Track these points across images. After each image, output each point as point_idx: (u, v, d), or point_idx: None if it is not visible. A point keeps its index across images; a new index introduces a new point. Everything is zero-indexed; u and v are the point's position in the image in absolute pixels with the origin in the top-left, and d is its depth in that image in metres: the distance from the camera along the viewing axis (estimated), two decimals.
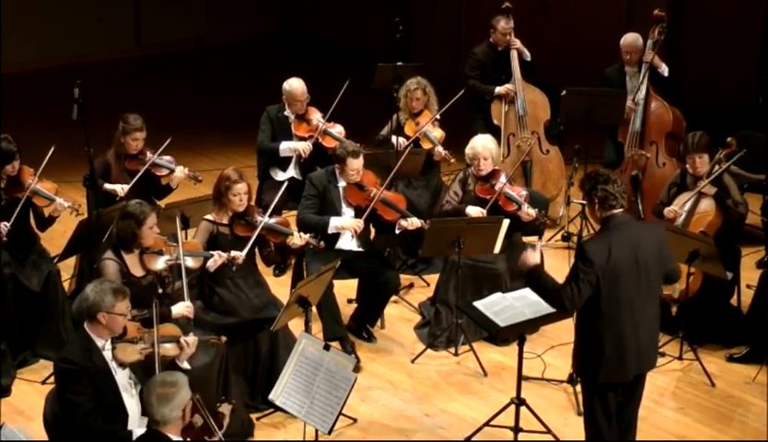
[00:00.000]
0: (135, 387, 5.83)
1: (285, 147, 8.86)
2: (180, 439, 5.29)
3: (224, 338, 6.42)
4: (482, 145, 7.95)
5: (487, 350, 7.76)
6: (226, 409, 5.68)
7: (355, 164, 7.66)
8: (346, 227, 7.68)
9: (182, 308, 6.54)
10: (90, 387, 5.61)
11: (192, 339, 6.06)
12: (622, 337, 5.73)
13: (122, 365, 5.78)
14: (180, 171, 8.07)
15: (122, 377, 5.78)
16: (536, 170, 9.80)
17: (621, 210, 5.76)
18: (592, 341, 5.76)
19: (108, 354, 5.75)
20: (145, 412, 5.43)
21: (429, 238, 7.58)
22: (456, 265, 7.63)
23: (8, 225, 7.26)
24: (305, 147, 8.81)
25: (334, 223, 7.67)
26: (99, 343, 5.74)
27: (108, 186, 7.88)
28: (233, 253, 6.90)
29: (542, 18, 12.87)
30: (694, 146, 7.80)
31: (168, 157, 8.10)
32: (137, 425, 5.69)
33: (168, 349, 5.97)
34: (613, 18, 12.39)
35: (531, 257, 5.89)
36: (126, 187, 7.85)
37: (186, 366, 6.08)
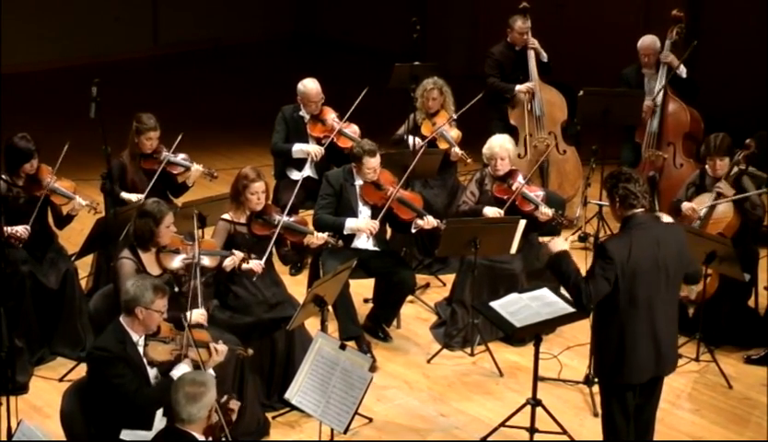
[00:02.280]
0: None
1: (298, 149, 8.86)
2: (204, 439, 5.31)
3: (251, 351, 6.43)
4: (499, 145, 7.95)
5: (503, 350, 7.75)
6: (235, 405, 5.70)
7: (372, 162, 7.66)
8: (362, 229, 7.69)
9: (197, 316, 6.51)
10: (128, 369, 5.70)
11: (222, 347, 6.08)
12: (642, 338, 5.71)
13: (151, 363, 5.83)
14: (196, 169, 8.09)
15: (151, 372, 5.84)
16: (553, 171, 9.79)
17: (641, 210, 5.74)
18: (611, 341, 5.74)
19: (140, 350, 5.80)
20: (166, 411, 5.47)
21: (445, 238, 7.57)
22: (472, 265, 7.63)
23: (28, 228, 7.29)
24: (317, 151, 8.80)
25: (350, 224, 7.67)
26: (134, 337, 5.81)
27: (124, 195, 7.85)
28: (252, 264, 6.89)
29: (559, 18, 12.85)
30: (716, 149, 7.76)
31: (183, 155, 8.11)
32: (160, 425, 5.72)
33: (198, 354, 5.99)
34: (630, 19, 12.36)
35: (560, 244, 5.88)
36: (142, 196, 7.80)
37: (211, 372, 6.08)
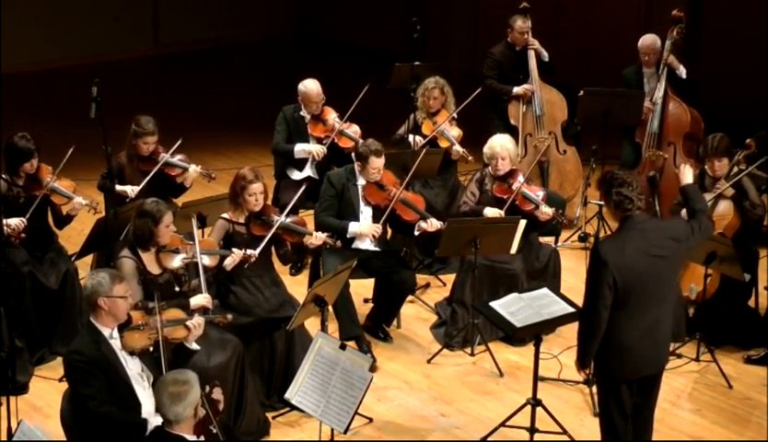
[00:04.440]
0: (148, 380, 5.84)
1: (300, 149, 8.86)
2: (194, 439, 5.30)
3: (229, 316, 6.43)
4: (500, 144, 7.94)
5: (503, 350, 7.75)
6: (218, 394, 5.68)
7: (377, 162, 7.66)
8: (365, 233, 7.69)
9: (201, 299, 6.53)
10: (102, 378, 5.64)
11: (198, 321, 6.08)
12: (637, 335, 5.71)
13: (131, 353, 5.80)
14: (193, 170, 8.08)
15: (132, 367, 5.79)
16: (553, 171, 9.79)
17: (637, 212, 5.75)
18: (608, 338, 5.74)
19: (116, 343, 5.76)
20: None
21: (446, 238, 7.57)
22: (472, 265, 7.62)
23: (24, 220, 7.29)
24: (319, 150, 8.80)
25: (353, 229, 7.67)
26: (106, 332, 5.75)
27: (119, 187, 7.87)
28: (248, 251, 6.92)
29: (560, 19, 12.85)
30: (714, 150, 7.75)
31: (180, 156, 8.11)
32: (152, 419, 5.71)
33: (176, 331, 5.99)
34: (631, 19, 12.36)
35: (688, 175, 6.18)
36: (136, 188, 7.85)
37: (195, 346, 6.09)
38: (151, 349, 5.91)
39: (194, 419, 5.31)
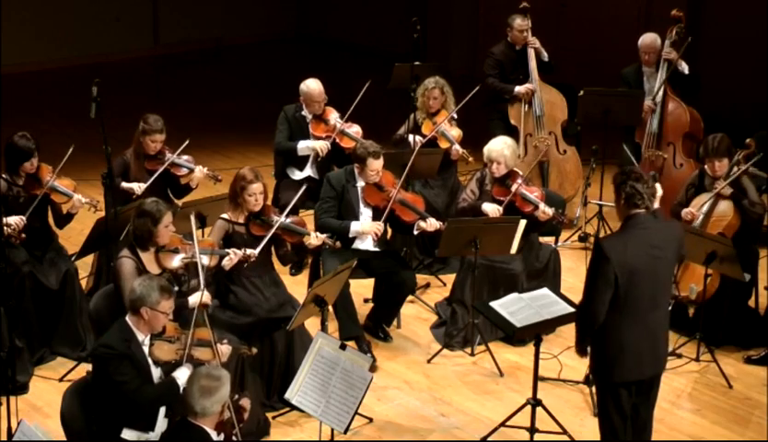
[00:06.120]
0: None
1: (303, 146, 8.86)
2: (216, 436, 5.34)
3: (254, 349, 6.44)
4: (496, 150, 7.92)
5: (503, 350, 7.76)
6: (246, 403, 5.75)
7: (375, 164, 7.66)
8: (367, 232, 7.69)
9: (198, 297, 6.52)
10: (131, 367, 5.72)
11: (225, 348, 6.12)
12: (637, 336, 5.71)
13: (156, 362, 5.85)
14: (200, 171, 8.08)
15: (155, 373, 5.88)
16: (553, 171, 9.79)
17: (644, 211, 5.75)
18: (606, 339, 5.74)
19: (146, 349, 5.82)
20: (167, 411, 5.49)
21: (446, 238, 7.57)
22: (472, 265, 7.62)
23: (24, 218, 7.29)
24: (322, 146, 8.81)
25: (355, 228, 7.67)
26: (139, 337, 5.84)
27: (125, 184, 7.89)
28: (248, 251, 6.92)
29: (561, 18, 12.86)
30: (714, 150, 7.75)
31: (186, 157, 8.11)
32: (162, 426, 5.75)
33: (203, 353, 6.01)
34: (631, 18, 12.37)
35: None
36: (143, 185, 7.87)
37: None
38: (174, 362, 5.94)
39: (219, 417, 5.38)
